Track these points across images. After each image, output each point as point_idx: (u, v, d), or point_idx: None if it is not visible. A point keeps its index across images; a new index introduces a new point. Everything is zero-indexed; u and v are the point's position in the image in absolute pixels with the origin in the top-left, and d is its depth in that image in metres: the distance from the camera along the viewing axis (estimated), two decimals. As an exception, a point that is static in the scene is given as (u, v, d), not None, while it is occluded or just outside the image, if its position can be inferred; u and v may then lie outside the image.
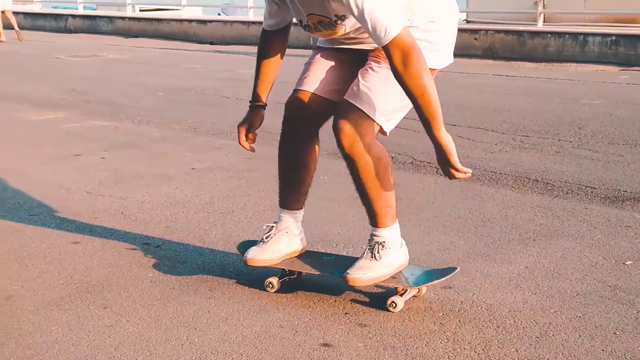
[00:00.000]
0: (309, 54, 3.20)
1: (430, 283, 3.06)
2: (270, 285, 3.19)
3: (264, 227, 3.26)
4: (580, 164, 5.32)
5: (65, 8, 24.12)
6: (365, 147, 2.86)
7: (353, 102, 2.87)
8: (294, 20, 3.06)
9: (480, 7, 16.05)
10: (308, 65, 3.13)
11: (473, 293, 3.16)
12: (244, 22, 16.78)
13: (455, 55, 3.10)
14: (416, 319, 2.91)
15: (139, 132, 6.76)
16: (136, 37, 18.03)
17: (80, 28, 19.87)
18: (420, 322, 2.89)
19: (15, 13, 21.78)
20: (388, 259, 3.01)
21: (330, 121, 2.97)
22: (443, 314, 2.96)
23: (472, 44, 13.03)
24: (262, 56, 3.18)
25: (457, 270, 3.09)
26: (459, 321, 2.90)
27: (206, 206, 4.41)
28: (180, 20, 17.42)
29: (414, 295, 3.10)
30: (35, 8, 24.26)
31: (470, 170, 2.79)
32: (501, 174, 5.09)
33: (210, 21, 17.50)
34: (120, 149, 6.02)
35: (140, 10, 21.12)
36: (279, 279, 3.22)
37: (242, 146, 3.17)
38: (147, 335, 2.81)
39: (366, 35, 2.80)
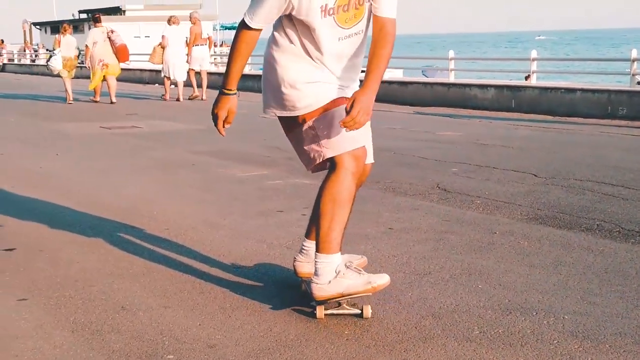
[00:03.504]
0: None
1: None
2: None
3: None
4: None
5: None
6: None
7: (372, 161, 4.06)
8: (309, 12, 3.41)
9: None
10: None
11: (687, 374, 2.94)
12: (444, 84, 16.85)
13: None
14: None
15: (339, 190, 6.87)
16: (338, 98, 18.49)
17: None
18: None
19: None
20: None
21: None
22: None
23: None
24: (246, 53, 3.72)
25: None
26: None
27: (403, 267, 4.41)
28: (382, 82, 17.72)
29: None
30: (245, 70, 25.65)
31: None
32: None
33: (411, 83, 17.71)
34: (320, 207, 6.14)
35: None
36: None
37: (220, 130, 3.75)
38: (341, 393, 2.82)
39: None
